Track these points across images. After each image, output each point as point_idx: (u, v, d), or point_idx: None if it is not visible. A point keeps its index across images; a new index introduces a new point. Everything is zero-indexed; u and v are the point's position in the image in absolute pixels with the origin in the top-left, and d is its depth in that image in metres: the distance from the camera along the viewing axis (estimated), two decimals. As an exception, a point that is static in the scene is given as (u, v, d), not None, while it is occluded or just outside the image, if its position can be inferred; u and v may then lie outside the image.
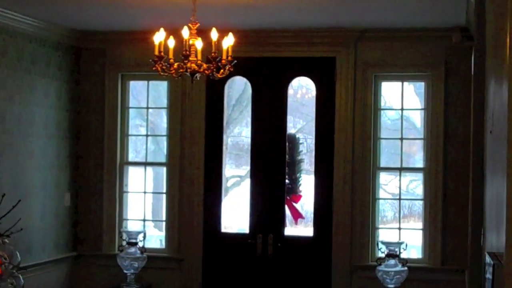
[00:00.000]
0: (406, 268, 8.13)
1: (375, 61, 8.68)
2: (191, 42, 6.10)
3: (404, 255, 8.22)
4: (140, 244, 8.89)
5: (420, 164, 9.04)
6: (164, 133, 9.52)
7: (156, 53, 6.10)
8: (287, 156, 9.14)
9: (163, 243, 9.34)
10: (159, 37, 6.09)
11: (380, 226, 8.86)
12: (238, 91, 10.84)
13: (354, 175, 8.66)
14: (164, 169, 9.36)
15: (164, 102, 9.53)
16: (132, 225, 9.38)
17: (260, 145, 9.04)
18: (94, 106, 9.35)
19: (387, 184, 9.12)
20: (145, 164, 9.60)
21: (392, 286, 8.14)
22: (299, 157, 9.49)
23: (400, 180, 8.93)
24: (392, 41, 8.61)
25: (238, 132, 10.28)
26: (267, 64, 8.98)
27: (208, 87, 8.92)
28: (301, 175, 9.43)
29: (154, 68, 6.21)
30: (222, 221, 9.16)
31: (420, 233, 8.76)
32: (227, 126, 9.38)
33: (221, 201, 9.18)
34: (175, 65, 6.15)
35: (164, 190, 9.34)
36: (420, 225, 8.88)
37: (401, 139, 8.85)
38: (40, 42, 8.48)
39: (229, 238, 9.20)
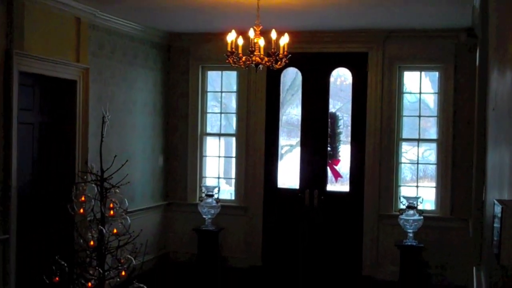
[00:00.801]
0: (422, 217, 8.08)
1: (399, 55, 8.60)
2: (255, 40, 6.08)
3: (420, 207, 8.17)
4: (215, 196, 8.96)
5: (434, 136, 8.92)
6: (234, 111, 9.55)
7: (229, 49, 6.10)
8: (328, 129, 9.09)
9: (233, 195, 9.40)
10: (231, 37, 6.08)
11: (401, 184, 8.78)
12: (290, 79, 10.78)
13: (382, 144, 8.63)
14: (234, 139, 9.40)
15: (234, 87, 9.54)
16: (209, 182, 9.46)
17: (307, 120, 9.05)
18: (181, 90, 9.42)
19: (407, 152, 9.03)
20: (219, 135, 9.64)
21: (411, 231, 8.09)
22: (338, 130, 9.42)
23: (418, 149, 8.87)
24: (413, 40, 8.52)
25: (290, 111, 10.20)
26: (314, 58, 8.94)
27: (268, 75, 8.94)
28: (340, 144, 9.36)
29: (227, 61, 6.20)
30: (278, 179, 9.19)
31: (433, 190, 8.71)
32: (282, 106, 9.33)
33: (277, 164, 9.20)
34: (243, 58, 6.14)
35: (234, 155, 9.38)
36: (433, 184, 8.78)
37: (419, 116, 8.77)
38: (140, 42, 8.55)
39: (283, 192, 9.21)
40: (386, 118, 8.63)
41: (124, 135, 8.08)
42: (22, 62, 6.14)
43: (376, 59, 8.63)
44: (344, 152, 9.29)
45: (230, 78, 9.66)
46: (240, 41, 6.19)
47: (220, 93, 9.69)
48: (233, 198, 9.38)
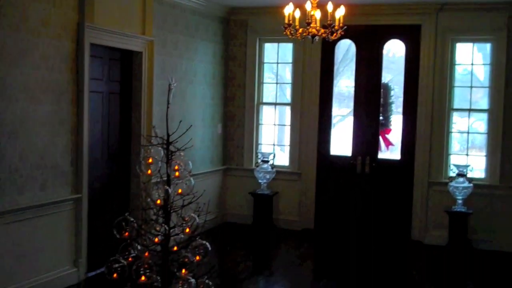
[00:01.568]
0: (471, 184, 7.99)
1: (452, 27, 8.43)
2: (312, 13, 6.05)
3: (470, 175, 8.07)
4: (271, 162, 9.05)
5: (484, 106, 8.74)
6: (289, 81, 9.55)
7: (286, 21, 6.10)
8: (381, 99, 9.02)
9: (287, 161, 9.45)
10: (288, 9, 6.07)
11: (451, 153, 8.67)
12: (343, 50, 10.69)
13: (433, 114, 8.53)
14: (288, 108, 9.43)
15: (289, 58, 9.52)
16: (264, 148, 9.53)
17: (360, 90, 8.98)
18: (239, 62, 9.47)
19: (456, 123, 8.88)
20: (274, 104, 9.68)
21: (460, 198, 8.02)
22: (390, 100, 9.34)
23: (468, 119, 8.71)
24: (466, 12, 8.33)
25: (343, 82, 10.14)
26: (368, 30, 8.83)
27: (323, 47, 8.92)
28: (391, 114, 9.29)
29: (284, 33, 6.20)
30: (331, 146, 9.20)
31: (483, 159, 8.57)
32: (335, 77, 9.27)
33: (330, 132, 9.20)
34: (300, 30, 6.12)
35: (288, 123, 9.42)
36: (483, 153, 8.63)
37: (470, 87, 8.61)
38: (201, 15, 8.61)
39: (336, 159, 9.21)
40: (437, 89, 8.50)
41: (185, 104, 8.21)
42: (93, 35, 6.29)
43: (429, 31, 8.49)
44: (396, 121, 9.21)
45: (285, 50, 9.65)
46: (297, 14, 6.16)
47: (276, 64, 9.69)
48: (287, 164, 9.44)
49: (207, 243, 3.59)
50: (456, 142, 9.16)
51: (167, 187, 3.54)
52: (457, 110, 8.67)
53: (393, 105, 9.43)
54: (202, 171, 8.54)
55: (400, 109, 8.94)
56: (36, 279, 5.77)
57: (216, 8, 8.89)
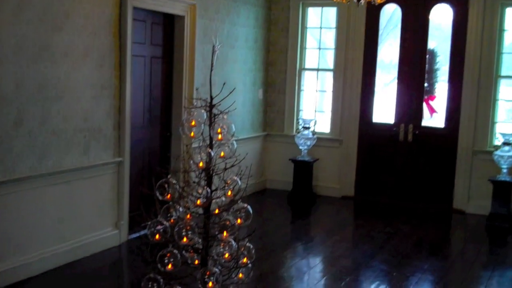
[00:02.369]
0: (517, 154, 7.83)
1: (502, -9, 8.17)
2: (357, -25, 5.93)
3: (516, 144, 7.90)
4: (312, 128, 8.99)
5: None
6: (332, 47, 9.41)
7: (330, -16, 5.99)
8: (426, 66, 8.84)
9: (328, 128, 9.37)
10: (333, -28, 5.96)
11: (497, 121, 8.47)
12: (387, 16, 10.48)
13: (480, 81, 8.32)
14: (331, 73, 9.31)
15: (332, 24, 9.38)
16: (305, 115, 9.46)
17: (405, 56, 8.81)
18: (281, 26, 9.37)
19: (503, 91, 8.66)
20: (317, 70, 9.56)
21: (505, 167, 7.85)
22: (436, 67, 9.15)
23: (516, 86, 8.51)
24: (517, -25, 8.06)
25: (387, 48, 9.95)
26: (414, -6, 8.64)
27: (368, 12, 8.75)
28: (437, 80, 9.10)
29: (328, -4, 6.10)
30: (373, 114, 9.08)
31: (530, 127, 8.37)
32: (379, 42, 9.10)
33: (373, 99, 9.06)
34: (345, -7, 6.02)
35: (331, 89, 9.32)
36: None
37: (519, 54, 8.39)
38: (243, -22, 8.53)
39: (378, 126, 9.10)
40: (485, 55, 8.27)
41: (227, 69, 8.18)
42: (135, -3, 6.28)
43: (478, -4, 8.26)
44: (440, 88, 9.03)
45: (328, 15, 9.50)
46: (342, -23, 6.06)
47: (319, 29, 9.55)
48: (328, 131, 9.36)
49: (249, 207, 3.60)
50: (502, 110, 8.94)
51: (210, 150, 3.54)
52: (504, 77, 8.44)
53: (438, 72, 9.25)
54: (243, 137, 8.53)
55: (446, 76, 8.74)
56: (78, 240, 5.89)
57: (259, -28, 8.79)
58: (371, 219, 8.15)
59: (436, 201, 8.70)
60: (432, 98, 8.98)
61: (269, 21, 9.33)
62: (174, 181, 3.59)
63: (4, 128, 4.95)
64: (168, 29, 7.12)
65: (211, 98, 3.56)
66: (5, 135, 4.96)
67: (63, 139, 5.59)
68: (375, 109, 9.09)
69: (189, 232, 3.49)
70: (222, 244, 3.52)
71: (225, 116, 3.55)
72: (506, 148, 7.82)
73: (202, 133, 3.56)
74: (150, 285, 3.61)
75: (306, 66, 9.53)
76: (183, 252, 3.65)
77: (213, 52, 3.61)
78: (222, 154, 3.59)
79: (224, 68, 8.09)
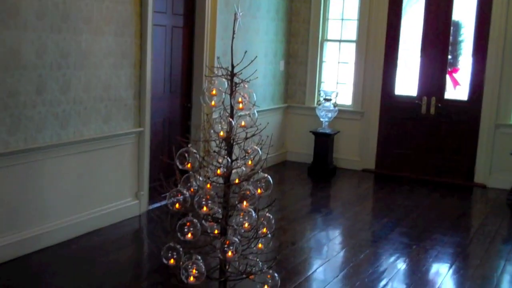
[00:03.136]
0: (541, 128, 7.70)
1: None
2: None
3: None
4: (333, 100, 8.91)
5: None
6: (355, 18, 9.27)
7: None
8: (450, 38, 8.69)
9: (350, 100, 9.29)
10: None
11: (522, 94, 8.35)
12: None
13: (504, 54, 8.17)
14: (353, 45, 9.19)
15: (356, -7, 9.24)
16: (327, 86, 9.38)
17: (429, 28, 8.67)
18: (303, -5, 9.28)
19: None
20: (339, 41, 9.44)
21: (529, 141, 7.77)
22: (460, 39, 8.96)
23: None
24: None
25: (411, 20, 9.76)
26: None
27: (391, -18, 8.61)
28: (461, 53, 8.93)
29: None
30: (395, 86, 8.98)
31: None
32: (403, 14, 8.93)
33: (395, 71, 8.96)
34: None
35: (353, 61, 9.21)
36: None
37: (547, 26, 8.19)
38: None
39: (400, 99, 8.99)
40: (510, 28, 8.10)
41: (248, 39, 8.10)
42: (156, -34, 6.22)
43: (505, -35, 8.06)
44: (464, 61, 8.88)
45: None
46: None
47: (342, 0, 9.41)
48: (350, 103, 9.28)
49: (269, 177, 3.57)
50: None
51: (231, 119, 3.51)
52: (531, 50, 8.28)
53: (462, 44, 9.05)
54: (263, 109, 8.48)
55: (470, 49, 8.59)
56: (98, 209, 5.92)
57: None
58: (391, 192, 8.10)
59: (457, 175, 8.62)
60: (456, 70, 8.82)
61: (291, -9, 9.22)
62: (194, 151, 3.57)
63: (26, 96, 4.95)
64: (189, -2, 7.07)
65: (232, 67, 3.52)
66: (27, 103, 4.97)
67: (84, 108, 5.59)
68: (398, 82, 8.99)
69: (209, 202, 3.48)
70: (241, 214, 3.51)
71: (246, 85, 3.50)
72: (531, 122, 7.72)
73: (223, 102, 3.52)
74: (169, 254, 3.62)
75: (329, 37, 9.42)
76: (203, 221, 3.65)
77: (235, 20, 3.56)
78: (243, 123, 3.55)
79: (246, 38, 8.02)
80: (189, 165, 3.56)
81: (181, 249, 3.61)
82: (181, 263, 3.58)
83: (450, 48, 8.71)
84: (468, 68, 8.60)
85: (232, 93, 3.51)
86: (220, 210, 3.60)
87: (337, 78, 9.43)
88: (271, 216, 3.69)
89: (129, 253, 5.66)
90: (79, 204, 5.67)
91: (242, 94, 3.48)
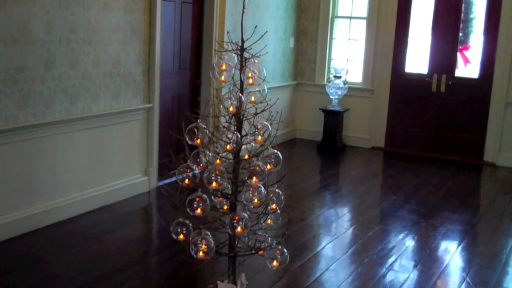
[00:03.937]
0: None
1: None
2: None
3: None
4: (343, 78, 8.86)
5: None
6: (365, -6, 9.18)
7: None
8: (462, 15, 8.58)
9: (360, 77, 9.22)
10: None
11: (533, 72, 8.25)
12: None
13: (517, 31, 8.08)
14: (364, 21, 9.10)
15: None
16: (337, 64, 9.31)
17: (440, 5, 8.57)
18: (313, -28, 9.17)
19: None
20: (349, 18, 9.35)
21: (540, 119, 7.69)
22: (471, 16, 8.85)
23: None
24: None
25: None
26: None
27: (403, -43, 8.49)
28: (472, 30, 8.83)
29: None
30: (406, 63, 8.90)
31: None
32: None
33: (406, 48, 8.88)
34: None
35: (363, 38, 9.12)
36: None
37: (560, 2, 8.07)
38: None
39: (411, 76, 8.92)
40: (523, 4, 8.02)
41: (258, 15, 8.02)
42: None
43: None
44: (475, 38, 8.78)
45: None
46: None
47: (352, -24, 9.31)
48: (360, 80, 9.21)
49: (279, 152, 3.54)
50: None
51: (240, 94, 3.48)
52: (543, 27, 8.17)
53: (473, 21, 8.95)
54: (273, 86, 8.43)
55: (481, 26, 8.49)
56: (108, 186, 5.92)
57: None
58: (401, 170, 8.07)
59: (467, 153, 8.58)
60: (467, 48, 8.73)
61: (301, -33, 9.12)
62: (204, 126, 3.54)
63: (35, 71, 4.93)
64: (198, -26, 7.00)
65: (242, 42, 3.47)
66: (36, 78, 4.95)
67: (93, 83, 5.57)
68: (408, 59, 8.91)
69: (219, 177, 3.46)
70: (251, 189, 3.48)
71: (256, 60, 3.46)
72: (542, 100, 7.64)
73: (232, 78, 3.48)
74: (179, 230, 3.61)
75: (339, 14, 9.33)
76: (212, 197, 3.63)
77: (245, -7, 3.50)
78: (252, 99, 3.52)
79: (256, 14, 7.95)
80: (198, 141, 3.54)
81: (190, 224, 3.60)
82: (190, 238, 3.57)
83: (461, 25, 8.61)
84: (479, 46, 8.51)
85: (242, 68, 3.47)
86: (229, 186, 3.58)
87: (347, 56, 9.35)
88: (280, 192, 3.67)
89: (139, 229, 5.68)
90: (88, 180, 5.68)
91: (252, 69, 3.44)
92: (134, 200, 6.17)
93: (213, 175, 3.46)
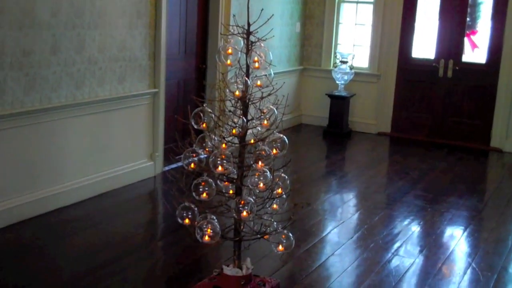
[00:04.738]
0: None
1: None
2: None
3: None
4: (350, 63, 8.82)
5: None
6: (372, -21, 9.11)
7: None
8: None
9: (367, 62, 9.17)
10: None
11: (542, 58, 8.19)
12: None
13: (526, 15, 8.02)
14: (371, 6, 9.04)
15: (373, -46, 9.04)
16: (343, 49, 9.26)
17: (448, -10, 8.52)
18: (320, -44, 9.10)
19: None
20: (356, 2, 9.28)
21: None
22: (479, 1, 8.76)
23: None
24: None
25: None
26: None
27: None
28: (480, 15, 8.75)
29: None
30: (413, 48, 8.85)
31: None
32: (421, -25, 8.78)
33: (413, 33, 8.82)
34: None
35: (370, 23, 9.07)
36: None
37: None
38: None
39: (418, 61, 8.87)
40: (532, -11, 7.95)
41: (263, 0, 7.96)
42: None
43: None
44: (483, 23, 8.71)
45: None
46: None
47: (360, -40, 9.24)
48: (366, 65, 9.17)
49: (285, 137, 3.53)
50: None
51: (246, 78, 3.46)
52: (552, 12, 8.10)
53: (481, 6, 8.87)
54: (279, 71, 8.40)
55: (489, 11, 8.42)
56: (113, 170, 5.93)
57: None
58: (407, 156, 8.05)
59: (473, 138, 8.54)
60: (474, 33, 8.66)
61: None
62: (209, 110, 3.53)
63: (40, 55, 4.92)
64: (204, -42, 6.95)
65: (248, 25, 3.45)
66: (42, 62, 4.95)
67: (99, 68, 5.55)
68: (415, 44, 8.85)
69: (224, 162, 3.45)
70: (257, 174, 3.47)
71: (262, 44, 3.44)
72: (550, 85, 7.58)
73: (238, 61, 3.46)
74: (184, 214, 3.61)
75: (345, -1, 9.28)
76: (218, 181, 3.63)
77: (251, -24, 3.47)
78: (258, 83, 3.50)
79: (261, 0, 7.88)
80: (204, 125, 3.52)
81: (196, 208, 3.60)
82: (196, 223, 3.57)
83: (468, 10, 8.55)
84: (486, 31, 8.45)
85: (248, 51, 3.45)
86: (235, 170, 3.57)
87: (354, 40, 9.30)
88: (286, 177, 3.66)
89: (144, 214, 5.69)
90: (94, 165, 5.68)
91: (258, 53, 3.42)
92: (140, 185, 6.18)
93: (218, 159, 3.45)
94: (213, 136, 3.59)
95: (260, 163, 3.47)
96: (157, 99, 6.33)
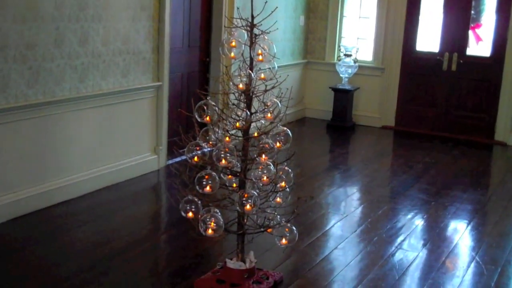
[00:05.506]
0: None
1: None
2: None
3: None
4: (353, 56, 8.80)
5: None
6: (376, -29, 9.06)
7: None
8: (474, -8, 8.49)
9: (371, 56, 9.15)
10: None
11: (546, 51, 8.15)
12: None
13: (531, 8, 7.98)
14: (375, -1, 9.02)
15: None
16: (347, 42, 9.23)
17: (452, -18, 8.48)
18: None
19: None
20: (360, -4, 9.27)
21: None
22: (484, -6, 8.74)
23: None
24: None
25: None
26: None
27: None
28: (484, 8, 8.71)
29: None
30: (417, 42, 8.82)
31: None
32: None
33: (417, 26, 8.79)
34: None
35: (374, 16, 9.03)
36: None
37: None
38: None
39: (422, 55, 8.84)
40: (538, -19, 7.90)
41: (267, -7, 7.95)
42: None
43: None
44: (487, 16, 8.67)
45: None
46: None
47: (364, -47, 9.19)
48: (371, 59, 9.14)
49: (288, 130, 3.52)
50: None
51: (250, 71, 3.45)
52: (557, 5, 8.06)
53: (486, -1, 8.84)
54: (283, 64, 8.36)
55: (494, 4, 8.39)
56: (117, 164, 5.92)
57: None
58: (411, 149, 8.03)
59: (477, 132, 8.52)
60: (478, 26, 8.62)
61: None
62: (213, 103, 3.53)
63: (44, 48, 4.92)
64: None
65: (252, 18, 3.44)
66: (45, 56, 4.94)
67: (103, 61, 5.54)
68: (419, 37, 8.82)
69: (228, 155, 3.45)
70: (260, 167, 3.48)
71: (266, 37, 3.43)
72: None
73: (242, 54, 3.46)
74: (188, 207, 3.62)
75: (349, -8, 9.25)
76: (221, 175, 3.63)
77: (255, -31, 3.46)
78: (262, 76, 3.49)
79: (265, -8, 7.86)
80: (208, 118, 3.53)
81: (199, 202, 3.60)
82: (199, 216, 3.58)
83: (473, 3, 8.50)
84: (491, 24, 8.41)
85: (251, 44, 3.44)
86: (238, 164, 3.57)
87: (358, 34, 9.27)
88: (290, 170, 3.66)
89: (148, 207, 5.69)
90: (97, 158, 5.68)
91: (262, 45, 3.41)
92: (144, 178, 6.17)
93: (222, 152, 3.46)
94: (217, 129, 3.59)
95: (263, 156, 3.47)
96: (160, 92, 6.32)
